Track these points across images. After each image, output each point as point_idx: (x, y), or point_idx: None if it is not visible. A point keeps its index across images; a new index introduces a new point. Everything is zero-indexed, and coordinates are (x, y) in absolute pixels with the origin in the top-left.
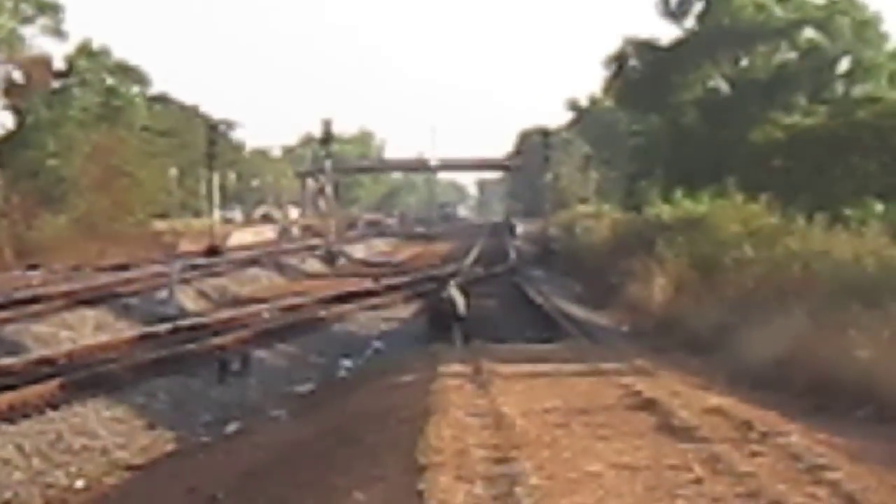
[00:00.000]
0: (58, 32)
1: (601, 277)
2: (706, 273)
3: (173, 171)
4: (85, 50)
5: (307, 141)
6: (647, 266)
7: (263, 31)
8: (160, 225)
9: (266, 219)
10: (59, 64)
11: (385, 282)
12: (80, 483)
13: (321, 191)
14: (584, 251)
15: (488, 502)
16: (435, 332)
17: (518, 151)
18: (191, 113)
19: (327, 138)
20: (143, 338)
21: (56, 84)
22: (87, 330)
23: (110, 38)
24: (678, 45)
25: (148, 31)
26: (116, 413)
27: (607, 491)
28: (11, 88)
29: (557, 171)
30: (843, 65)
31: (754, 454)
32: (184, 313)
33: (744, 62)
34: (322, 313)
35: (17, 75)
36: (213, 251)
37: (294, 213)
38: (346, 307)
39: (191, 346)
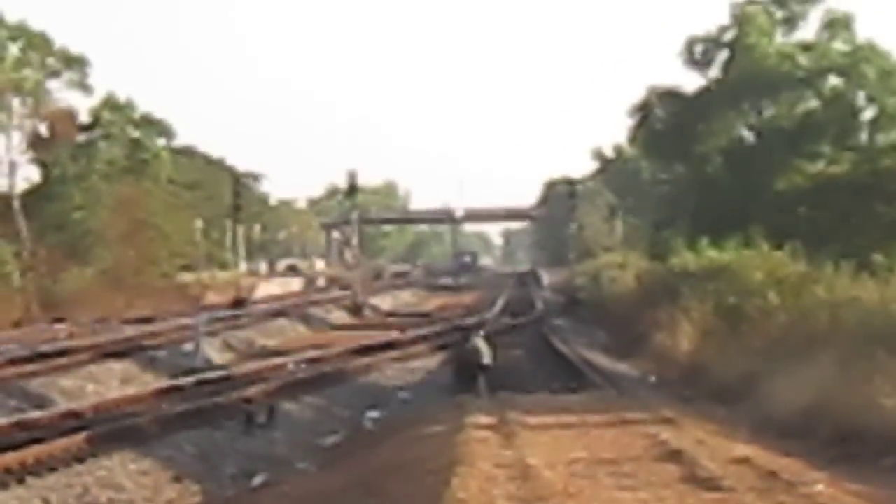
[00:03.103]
0: (83, 87)
1: (627, 327)
2: (732, 322)
3: (199, 224)
4: (110, 103)
5: (333, 192)
6: (673, 315)
7: (288, 84)
8: (186, 277)
9: (291, 270)
10: (84, 117)
11: (411, 333)
12: None
13: (347, 242)
14: (610, 301)
15: None
16: (461, 383)
17: (543, 201)
18: (216, 165)
19: (353, 189)
20: (170, 390)
21: (81, 137)
22: (114, 383)
23: (135, 90)
24: (702, 94)
25: (173, 84)
26: (143, 466)
27: None
28: (37, 142)
29: (583, 221)
30: (868, 113)
31: None
32: (210, 365)
33: (768, 111)
34: (348, 365)
35: (43, 129)
36: (238, 303)
37: (320, 264)
38: (372, 358)
39: (217, 399)
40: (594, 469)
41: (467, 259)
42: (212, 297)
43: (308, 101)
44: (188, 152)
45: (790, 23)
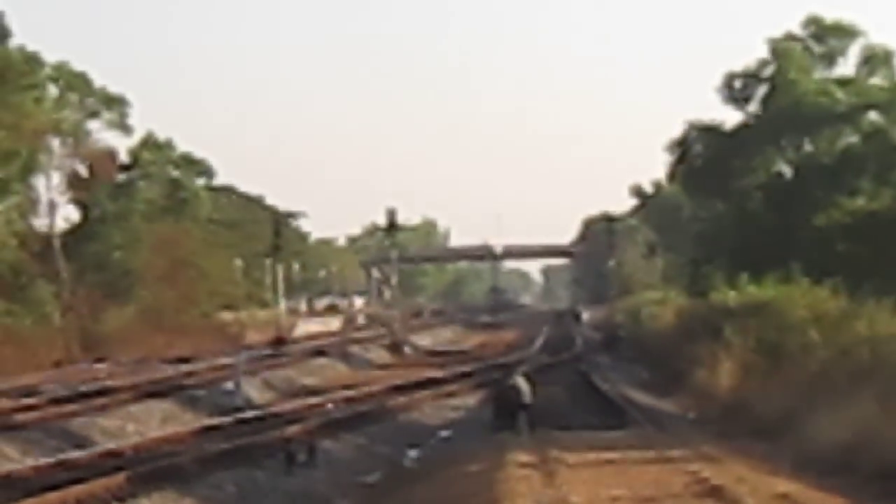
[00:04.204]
0: (123, 126)
1: (667, 364)
2: (772, 358)
3: (238, 262)
4: (149, 142)
5: (372, 230)
6: (713, 352)
7: (326, 122)
8: (226, 316)
9: (331, 309)
10: (123, 157)
11: (450, 371)
12: None
13: (386, 280)
14: (650, 337)
15: None
16: (501, 420)
17: (583, 238)
18: (256, 204)
19: (392, 227)
20: (210, 429)
21: (121, 177)
22: (154, 422)
23: (174, 130)
24: (741, 129)
25: (212, 123)
26: None
27: None
28: (77, 182)
29: (622, 258)
30: None
31: None
32: (250, 404)
33: (808, 147)
34: (388, 403)
35: (83, 169)
36: (279, 342)
37: (359, 302)
38: (412, 396)
39: (257, 438)
40: None
41: (505, 294)
42: (252, 336)
43: (347, 140)
44: (228, 191)
45: (829, 58)
